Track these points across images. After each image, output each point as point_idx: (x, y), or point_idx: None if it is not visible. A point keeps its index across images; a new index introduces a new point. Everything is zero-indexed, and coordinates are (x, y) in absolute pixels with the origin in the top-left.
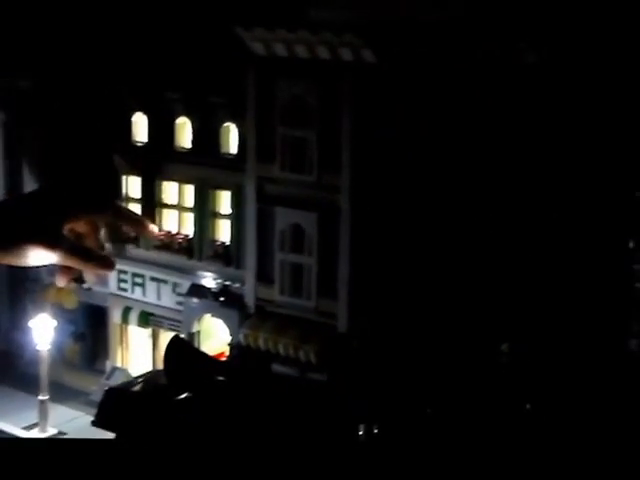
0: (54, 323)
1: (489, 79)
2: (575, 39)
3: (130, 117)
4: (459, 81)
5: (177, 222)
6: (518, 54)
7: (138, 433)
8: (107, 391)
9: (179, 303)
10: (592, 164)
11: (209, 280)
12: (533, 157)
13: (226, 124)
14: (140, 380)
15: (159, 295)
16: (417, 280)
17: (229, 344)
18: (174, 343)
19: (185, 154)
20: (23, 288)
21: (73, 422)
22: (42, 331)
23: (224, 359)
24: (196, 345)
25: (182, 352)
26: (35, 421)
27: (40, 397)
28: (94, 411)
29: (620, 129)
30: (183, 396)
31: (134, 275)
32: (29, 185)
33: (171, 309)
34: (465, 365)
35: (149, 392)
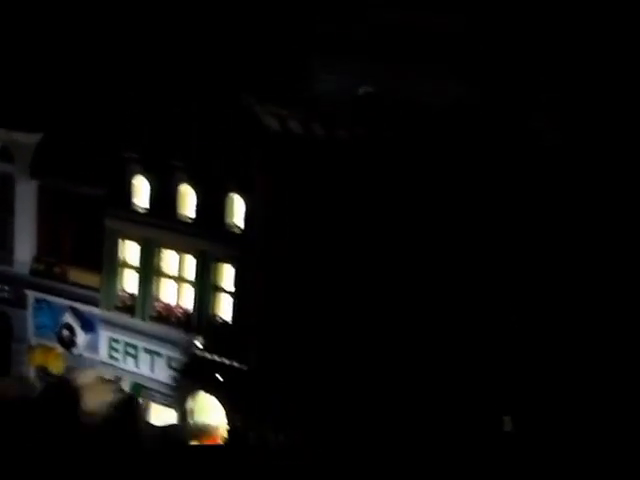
0: None
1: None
2: (594, 121)
3: (131, 180)
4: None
5: (176, 294)
6: (535, 136)
7: None
8: None
9: (174, 378)
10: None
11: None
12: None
13: (231, 196)
14: None
15: (152, 368)
16: (416, 350)
17: (227, 429)
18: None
19: (187, 224)
20: (8, 349)
21: None
22: None
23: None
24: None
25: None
26: None
27: None
28: None
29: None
30: None
31: (127, 345)
32: (19, 239)
33: (164, 383)
34: (466, 438)
35: None
